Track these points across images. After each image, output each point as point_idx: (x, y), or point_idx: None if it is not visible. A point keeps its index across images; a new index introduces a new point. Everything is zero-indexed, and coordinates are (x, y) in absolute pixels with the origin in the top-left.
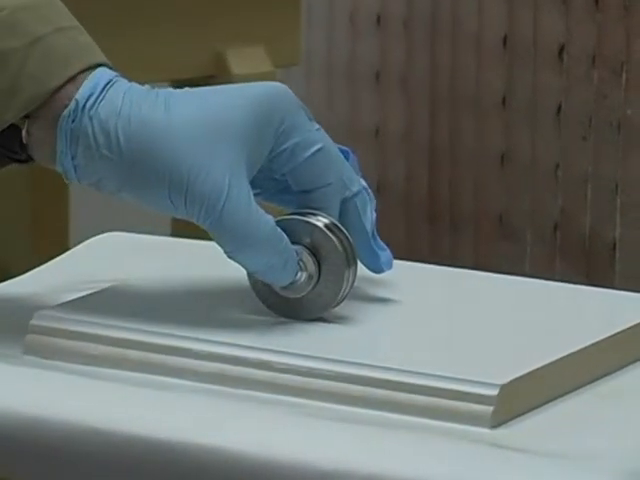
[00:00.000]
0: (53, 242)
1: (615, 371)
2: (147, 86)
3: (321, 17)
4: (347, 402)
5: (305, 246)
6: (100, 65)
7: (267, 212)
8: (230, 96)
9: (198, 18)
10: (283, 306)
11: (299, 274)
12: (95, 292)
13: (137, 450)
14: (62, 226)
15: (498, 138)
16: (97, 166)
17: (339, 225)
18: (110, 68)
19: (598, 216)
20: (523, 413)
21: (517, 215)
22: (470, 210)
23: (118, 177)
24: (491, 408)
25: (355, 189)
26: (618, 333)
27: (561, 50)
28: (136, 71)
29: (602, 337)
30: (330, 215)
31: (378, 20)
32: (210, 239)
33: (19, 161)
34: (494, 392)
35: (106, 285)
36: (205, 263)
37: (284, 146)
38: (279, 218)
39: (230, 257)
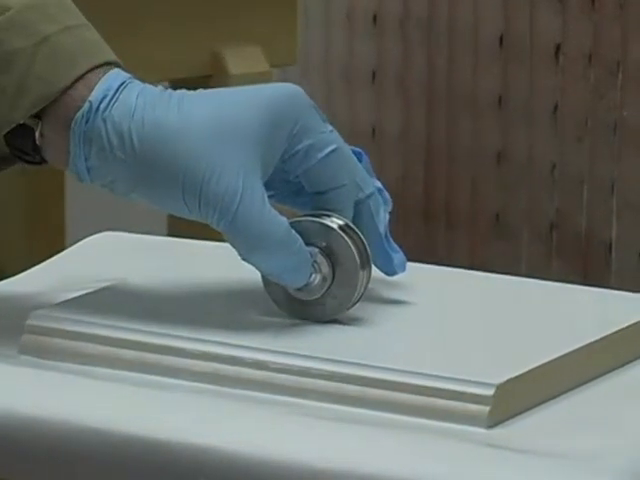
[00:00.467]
0: (49, 242)
1: (611, 371)
2: (160, 87)
3: (318, 17)
4: (343, 402)
5: (319, 248)
6: (108, 63)
7: (281, 214)
8: (243, 97)
9: (195, 18)
10: (296, 308)
11: (313, 276)
12: (91, 292)
13: (133, 450)
14: (58, 226)
15: (494, 138)
16: (111, 168)
17: (353, 227)
18: (122, 68)
19: (594, 216)
20: (519, 413)
21: (513, 215)
22: (466, 209)
23: (132, 178)
24: (487, 408)
25: (368, 191)
26: (614, 333)
27: (557, 50)
28: (133, 71)
29: (598, 337)
30: (344, 217)
31: (374, 20)
32: (206, 239)
33: (31, 162)
34: (490, 392)
35: (102, 285)
36: (202, 263)
37: (298, 147)
38: (293, 220)
39: (244, 259)
